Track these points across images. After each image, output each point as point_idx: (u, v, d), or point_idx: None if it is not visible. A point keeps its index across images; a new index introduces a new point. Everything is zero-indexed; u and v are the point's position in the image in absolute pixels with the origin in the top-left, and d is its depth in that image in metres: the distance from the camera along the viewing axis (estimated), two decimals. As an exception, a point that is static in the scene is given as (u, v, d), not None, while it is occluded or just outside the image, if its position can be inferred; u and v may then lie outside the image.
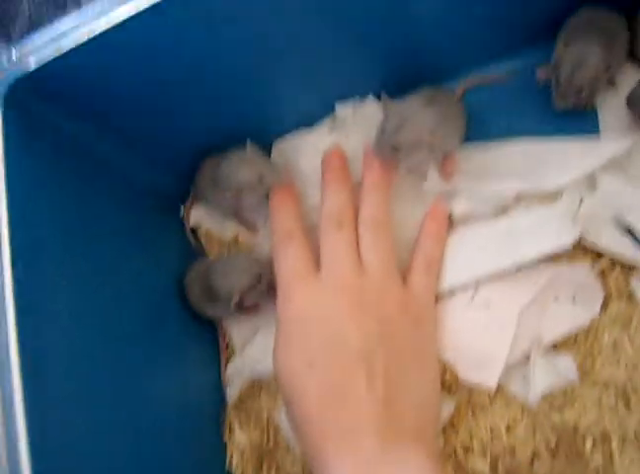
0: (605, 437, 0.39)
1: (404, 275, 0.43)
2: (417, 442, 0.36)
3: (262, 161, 0.47)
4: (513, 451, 0.40)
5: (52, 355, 0.33)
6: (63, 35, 0.36)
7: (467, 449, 0.41)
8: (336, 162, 0.47)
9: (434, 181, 0.47)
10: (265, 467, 0.45)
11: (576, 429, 0.40)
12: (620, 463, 0.39)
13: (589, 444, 0.39)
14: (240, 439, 0.46)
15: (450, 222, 0.46)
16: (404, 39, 0.47)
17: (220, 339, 0.50)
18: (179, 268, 0.50)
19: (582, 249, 0.44)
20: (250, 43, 0.41)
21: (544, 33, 0.49)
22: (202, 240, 0.54)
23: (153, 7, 0.35)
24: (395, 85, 0.51)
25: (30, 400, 0.30)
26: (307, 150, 0.51)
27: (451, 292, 0.44)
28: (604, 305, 0.42)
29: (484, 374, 0.41)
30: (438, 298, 0.44)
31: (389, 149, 0.43)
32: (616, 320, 0.42)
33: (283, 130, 0.52)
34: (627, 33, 0.46)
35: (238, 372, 0.48)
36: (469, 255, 0.44)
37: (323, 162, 0.47)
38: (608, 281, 0.43)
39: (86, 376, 0.36)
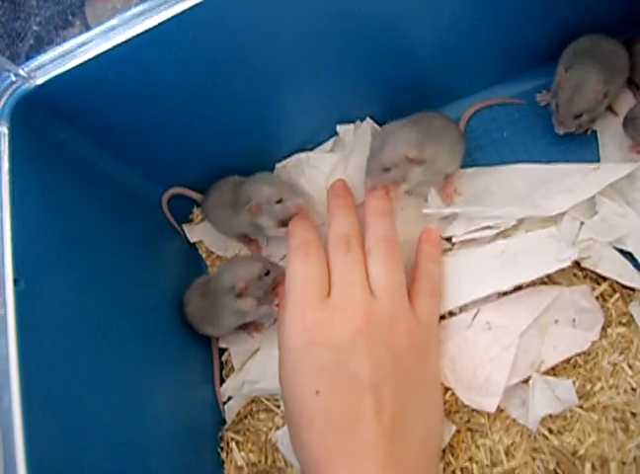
0: (604, 462, 0.39)
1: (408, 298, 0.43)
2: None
3: (285, 184, 0.47)
4: (512, 475, 0.40)
5: (53, 371, 0.33)
6: (69, 52, 0.37)
7: (467, 473, 0.41)
8: (341, 190, 0.47)
9: (434, 205, 0.47)
10: (262, 486, 0.45)
11: (575, 453, 0.40)
12: (619, 488, 0.39)
13: (588, 468, 0.39)
14: (238, 458, 0.46)
15: (451, 246, 0.47)
16: (405, 66, 0.48)
17: (214, 356, 0.50)
18: (179, 281, 0.50)
19: (582, 273, 0.44)
20: (252, 67, 0.42)
21: (544, 59, 0.50)
22: (204, 255, 0.54)
23: (157, 28, 0.36)
24: (396, 110, 0.52)
25: (29, 407, 0.30)
26: (309, 171, 0.51)
27: (452, 314, 0.44)
28: (604, 329, 0.43)
29: (484, 398, 0.41)
30: (439, 320, 0.44)
31: (379, 170, 0.44)
32: (616, 344, 0.42)
33: (286, 151, 0.53)
34: (627, 60, 0.47)
35: (237, 390, 0.48)
36: (469, 277, 0.44)
37: (329, 190, 0.47)
38: (608, 306, 0.43)
39: (83, 392, 0.35)
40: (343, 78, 0.47)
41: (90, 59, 0.37)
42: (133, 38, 0.36)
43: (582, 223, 0.45)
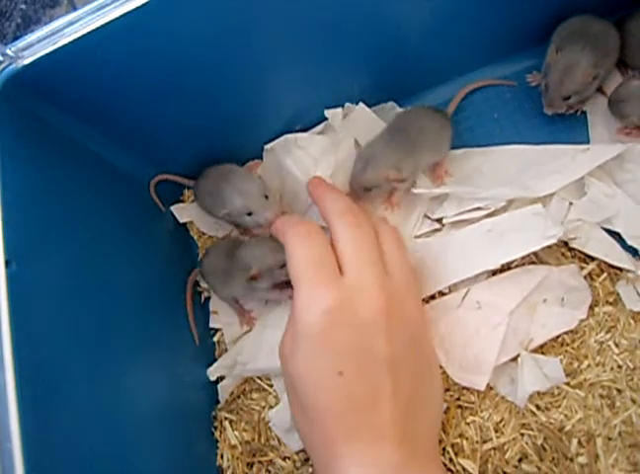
0: (591, 438, 0.40)
1: None
2: (431, 460, 0.36)
3: (257, 194, 0.47)
4: (501, 451, 0.41)
5: (45, 353, 0.33)
6: (57, 31, 0.37)
7: (457, 449, 0.42)
8: (320, 181, 0.46)
9: (424, 186, 0.47)
10: (256, 463, 0.45)
11: (562, 429, 0.41)
12: (605, 463, 0.39)
13: (574, 444, 0.40)
14: (231, 437, 0.46)
15: (441, 226, 0.47)
16: (395, 48, 0.48)
17: (188, 292, 0.51)
18: (171, 262, 0.50)
19: (571, 253, 0.45)
20: (240, 46, 0.42)
21: (535, 40, 0.50)
22: (195, 236, 0.54)
23: (144, 6, 0.36)
24: (386, 91, 0.52)
25: (22, 391, 0.30)
26: (296, 152, 0.51)
27: (442, 294, 0.45)
28: (591, 308, 0.43)
29: (474, 376, 0.42)
30: (429, 300, 0.45)
31: (362, 190, 0.45)
32: (603, 323, 0.43)
33: (274, 132, 0.53)
34: (618, 40, 0.47)
35: (228, 370, 0.49)
36: (457, 257, 0.45)
37: (309, 185, 0.45)
38: (596, 285, 0.44)
39: (76, 373, 0.35)
40: (330, 59, 0.47)
41: (78, 39, 0.36)
42: (122, 16, 0.36)
43: (571, 204, 0.45)
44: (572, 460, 0.40)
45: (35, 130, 0.39)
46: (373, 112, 0.52)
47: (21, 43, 0.37)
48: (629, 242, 0.44)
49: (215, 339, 0.51)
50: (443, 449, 0.42)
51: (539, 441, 0.41)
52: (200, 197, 0.51)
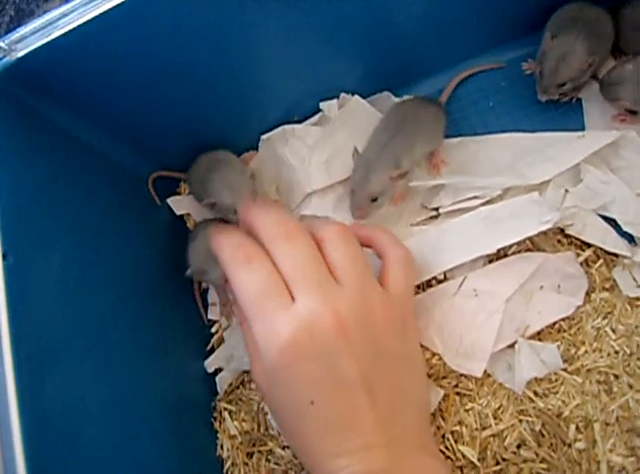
0: (588, 423, 0.41)
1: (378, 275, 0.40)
2: (424, 452, 0.36)
3: (246, 193, 0.46)
4: (500, 438, 0.41)
5: (44, 345, 0.33)
6: (51, 23, 0.36)
7: (457, 436, 0.42)
8: (249, 204, 0.43)
9: (419, 178, 0.47)
10: (256, 453, 0.46)
11: (560, 414, 0.41)
12: (603, 448, 0.40)
13: (572, 430, 0.41)
14: (231, 427, 0.47)
15: (437, 215, 0.47)
16: (388, 37, 0.48)
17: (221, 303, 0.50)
18: (167, 254, 0.50)
19: (567, 240, 0.45)
20: (235, 37, 0.42)
21: (530, 28, 0.50)
22: (192, 228, 0.54)
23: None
24: (381, 81, 0.52)
25: (22, 385, 0.30)
26: (294, 142, 0.51)
27: (439, 282, 0.45)
28: (588, 294, 0.43)
29: (471, 363, 0.42)
30: (426, 288, 0.45)
31: (368, 201, 0.44)
32: (599, 309, 0.43)
33: (271, 123, 0.53)
34: (612, 28, 0.47)
35: (225, 362, 0.49)
36: (453, 243, 0.45)
37: (240, 209, 0.43)
38: (592, 271, 0.44)
39: (74, 366, 0.36)
40: (325, 49, 0.47)
41: (72, 30, 0.36)
42: (116, 7, 0.36)
43: (566, 191, 0.45)
44: (570, 446, 0.40)
45: (30, 123, 0.39)
46: (369, 102, 0.52)
47: (14, 36, 0.37)
48: (625, 228, 0.44)
49: (213, 330, 0.51)
50: (443, 437, 0.42)
51: (537, 427, 0.41)
52: (191, 185, 0.52)
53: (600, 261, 0.44)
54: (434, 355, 0.43)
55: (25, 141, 0.38)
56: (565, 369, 0.42)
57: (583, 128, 0.48)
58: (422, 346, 0.44)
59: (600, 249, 0.44)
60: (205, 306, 0.52)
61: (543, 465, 0.40)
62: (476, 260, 0.44)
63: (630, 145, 0.46)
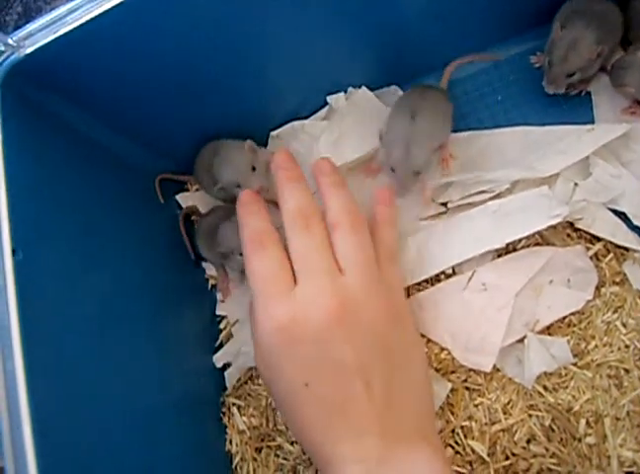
0: (599, 418, 0.40)
1: None
2: (421, 439, 0.36)
3: (243, 165, 0.47)
4: (510, 433, 0.41)
5: (53, 340, 0.34)
6: (58, 20, 0.36)
7: (466, 431, 0.42)
8: (285, 162, 0.43)
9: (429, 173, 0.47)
10: (264, 448, 0.46)
11: (570, 409, 0.41)
12: (613, 443, 0.39)
13: (582, 424, 0.40)
14: (239, 422, 0.47)
15: (446, 209, 0.47)
16: (394, 32, 0.47)
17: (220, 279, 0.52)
18: (175, 249, 0.50)
19: (576, 234, 0.45)
20: (245, 33, 0.41)
21: (538, 21, 0.49)
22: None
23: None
24: (389, 75, 0.51)
25: (32, 380, 0.31)
26: (303, 136, 0.51)
27: (448, 276, 0.45)
28: (598, 289, 0.43)
29: (480, 358, 0.42)
30: (434, 282, 0.45)
31: (412, 175, 0.43)
32: (609, 303, 0.43)
33: (278, 121, 0.53)
34: (621, 19, 0.47)
35: (234, 358, 0.49)
36: (462, 237, 0.45)
37: (272, 164, 0.43)
38: (602, 265, 0.44)
39: (85, 361, 0.36)
40: (333, 44, 0.47)
41: (79, 27, 0.36)
42: (123, 3, 0.35)
43: (576, 184, 0.45)
44: (580, 441, 0.40)
45: (37, 119, 0.39)
46: (376, 96, 0.51)
47: (22, 33, 0.37)
48: (635, 222, 0.44)
49: (222, 326, 0.51)
50: (452, 431, 0.42)
51: (547, 422, 0.41)
52: (200, 179, 0.52)
53: (611, 255, 0.44)
54: (442, 349, 0.43)
55: (33, 138, 0.38)
56: (575, 364, 0.42)
57: (592, 122, 0.48)
58: (431, 340, 0.44)
59: (610, 243, 0.44)
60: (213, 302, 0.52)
61: (553, 460, 0.40)
62: (485, 254, 0.44)
63: (641, 138, 0.45)
